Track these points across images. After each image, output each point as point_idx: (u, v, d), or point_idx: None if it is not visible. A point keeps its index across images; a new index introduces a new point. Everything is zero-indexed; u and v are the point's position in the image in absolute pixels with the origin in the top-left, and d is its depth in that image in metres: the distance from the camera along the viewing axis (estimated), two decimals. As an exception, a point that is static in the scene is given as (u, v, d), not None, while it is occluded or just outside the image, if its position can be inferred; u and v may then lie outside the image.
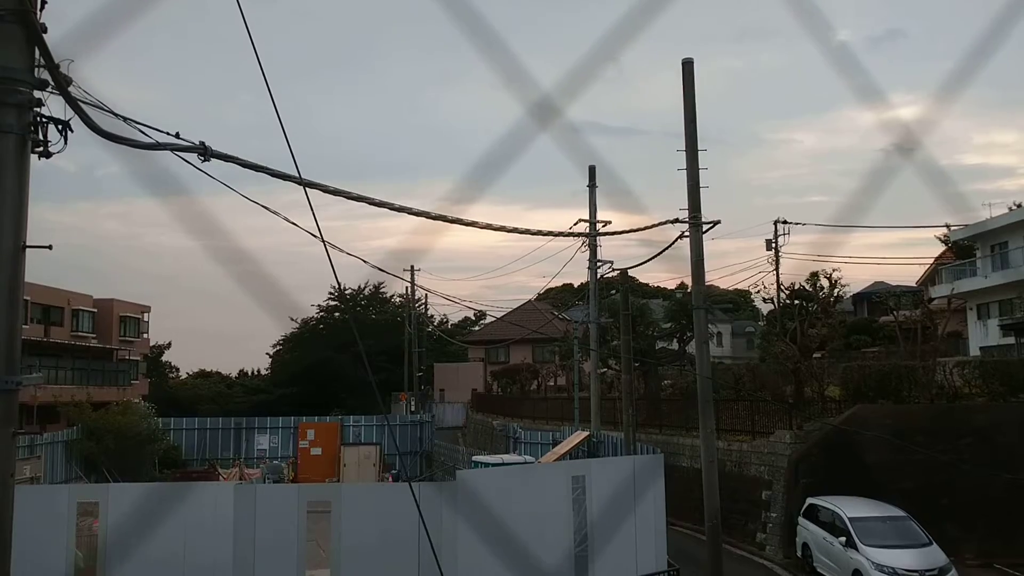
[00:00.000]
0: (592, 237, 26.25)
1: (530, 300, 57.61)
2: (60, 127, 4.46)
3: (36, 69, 4.35)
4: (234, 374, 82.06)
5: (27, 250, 4.35)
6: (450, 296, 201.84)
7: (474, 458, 29.18)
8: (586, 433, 27.53)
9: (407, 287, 52.43)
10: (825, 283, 29.39)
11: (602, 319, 30.29)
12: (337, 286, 64.32)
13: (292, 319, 66.00)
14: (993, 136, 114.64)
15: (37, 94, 4.36)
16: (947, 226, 40.51)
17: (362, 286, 70.72)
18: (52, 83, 4.36)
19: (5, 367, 4.20)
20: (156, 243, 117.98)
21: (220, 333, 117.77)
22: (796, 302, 35.96)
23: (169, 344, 75.84)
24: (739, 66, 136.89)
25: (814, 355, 28.06)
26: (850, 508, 18.34)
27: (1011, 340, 35.69)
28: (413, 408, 48.71)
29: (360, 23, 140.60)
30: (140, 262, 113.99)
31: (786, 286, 39.07)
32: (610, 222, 25.92)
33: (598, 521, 14.31)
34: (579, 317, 41.34)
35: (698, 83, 15.13)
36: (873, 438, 20.17)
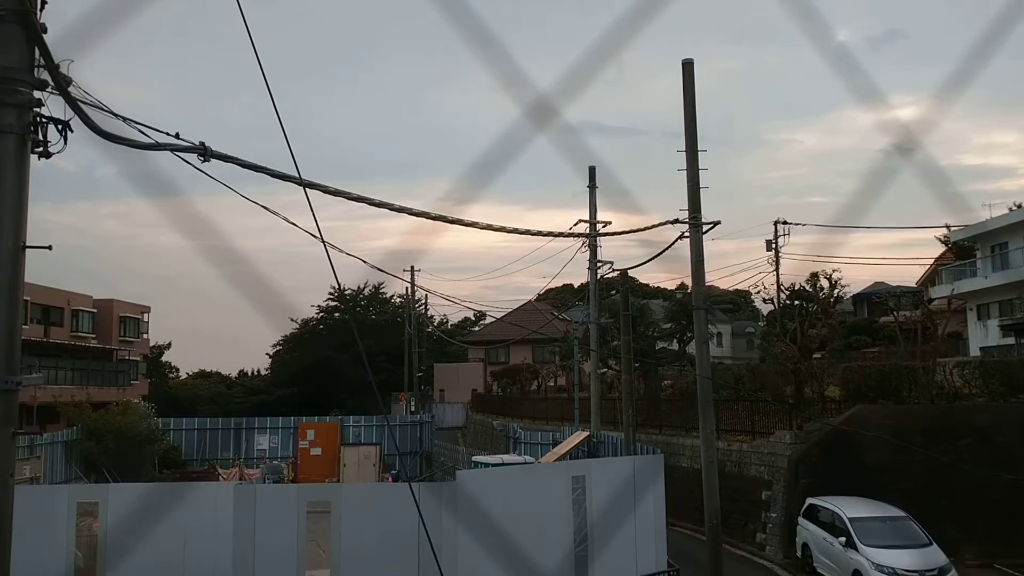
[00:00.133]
0: (592, 238, 26.29)
1: (530, 300, 57.52)
2: (60, 127, 4.46)
3: (36, 69, 4.35)
4: (234, 374, 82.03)
5: (27, 250, 4.35)
6: (450, 296, 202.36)
7: (474, 458, 29.17)
8: (586, 433, 27.54)
9: (407, 287, 52.55)
10: (825, 283, 29.41)
11: (602, 319, 30.29)
12: (337, 286, 64.02)
13: (292, 319, 66.13)
14: (993, 136, 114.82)
15: (37, 94, 4.36)
16: (947, 227, 40.62)
17: (362, 286, 70.85)
18: (52, 83, 4.36)
19: (5, 367, 4.20)
20: (156, 243, 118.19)
21: (220, 333, 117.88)
22: (796, 302, 35.99)
23: (169, 344, 75.95)
24: (739, 67, 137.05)
25: (814, 355, 28.06)
26: (850, 508, 18.34)
27: (1011, 340, 35.72)
28: (413, 408, 48.70)
29: (360, 23, 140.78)
30: (140, 262, 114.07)
31: (786, 286, 39.17)
32: (610, 223, 26.02)
33: (598, 521, 14.30)
34: (579, 317, 41.35)
35: (698, 83, 15.18)
36: (873, 438, 20.16)
